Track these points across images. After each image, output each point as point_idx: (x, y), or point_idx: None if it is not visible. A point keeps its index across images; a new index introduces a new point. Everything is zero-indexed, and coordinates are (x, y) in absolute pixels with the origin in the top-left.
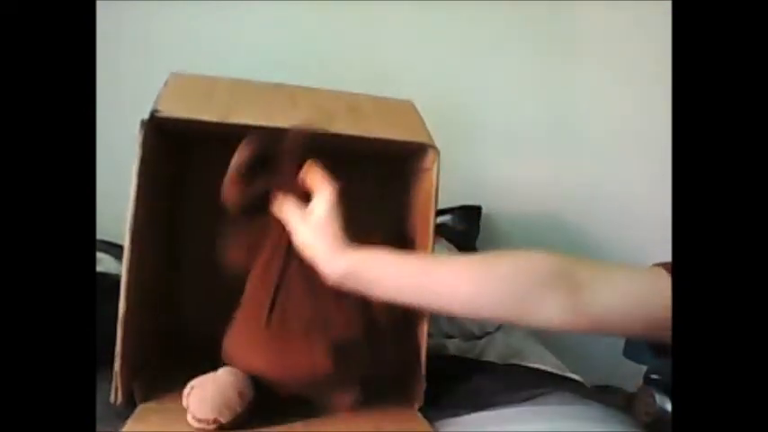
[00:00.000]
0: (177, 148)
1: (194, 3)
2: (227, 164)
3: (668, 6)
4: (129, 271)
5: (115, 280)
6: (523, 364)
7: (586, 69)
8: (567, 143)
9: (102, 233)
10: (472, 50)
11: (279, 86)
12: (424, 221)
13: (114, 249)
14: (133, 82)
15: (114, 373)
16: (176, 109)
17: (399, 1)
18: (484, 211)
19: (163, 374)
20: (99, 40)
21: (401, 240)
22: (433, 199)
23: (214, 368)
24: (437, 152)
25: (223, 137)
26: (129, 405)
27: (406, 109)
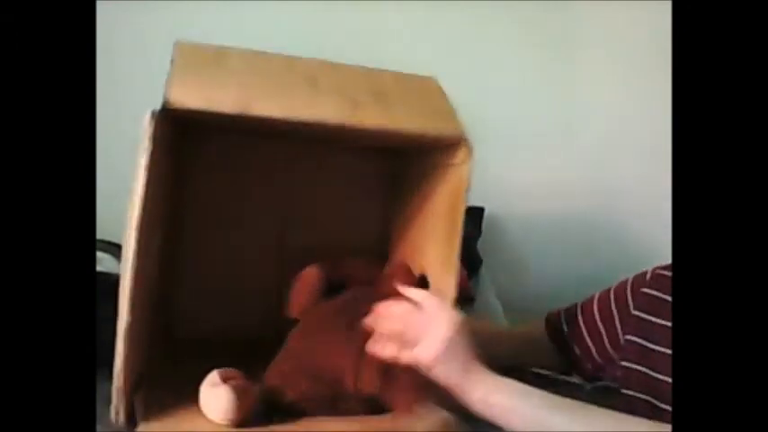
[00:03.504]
0: (183, 139)
1: (194, 2)
2: (238, 156)
3: (668, 6)
4: (135, 278)
5: (115, 280)
6: (522, 367)
7: (588, 70)
8: (568, 144)
9: (102, 233)
10: (473, 51)
11: (295, 62)
12: (451, 222)
13: (114, 249)
14: (132, 82)
15: (116, 390)
16: (189, 97)
17: (400, 1)
18: (486, 212)
19: (162, 388)
20: (98, 39)
21: (419, 242)
22: (464, 199)
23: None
24: (470, 147)
25: (237, 126)
26: (130, 424)
27: (432, 90)
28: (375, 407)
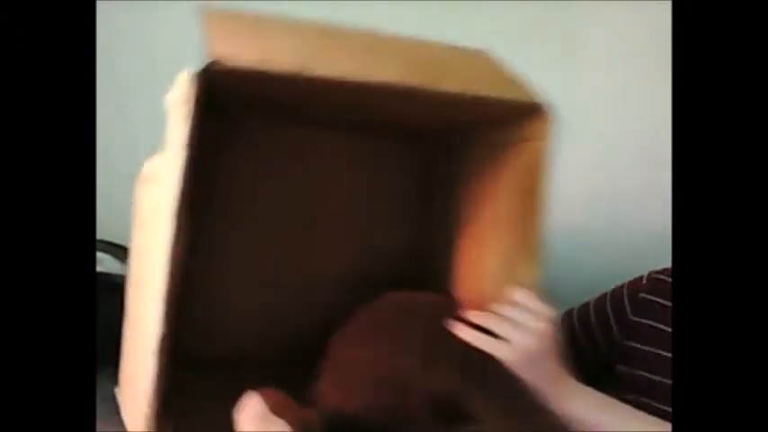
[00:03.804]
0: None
1: (194, 3)
2: (265, 146)
3: (668, 6)
4: (171, 280)
5: (115, 280)
6: None
7: (588, 70)
8: (568, 144)
9: (102, 233)
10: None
11: (335, 29)
12: (526, 207)
13: (114, 249)
14: (132, 82)
15: (145, 418)
16: (239, 54)
17: (400, 1)
18: None
19: (186, 412)
20: (98, 39)
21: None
22: (542, 179)
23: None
24: (551, 119)
25: (282, 98)
26: None
27: (492, 60)
28: (447, 416)
